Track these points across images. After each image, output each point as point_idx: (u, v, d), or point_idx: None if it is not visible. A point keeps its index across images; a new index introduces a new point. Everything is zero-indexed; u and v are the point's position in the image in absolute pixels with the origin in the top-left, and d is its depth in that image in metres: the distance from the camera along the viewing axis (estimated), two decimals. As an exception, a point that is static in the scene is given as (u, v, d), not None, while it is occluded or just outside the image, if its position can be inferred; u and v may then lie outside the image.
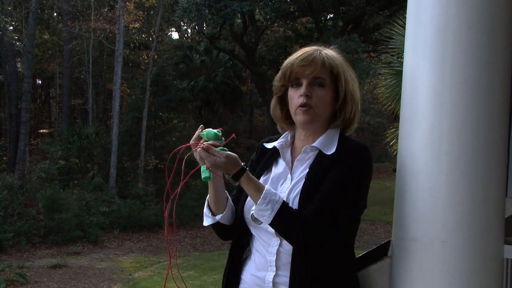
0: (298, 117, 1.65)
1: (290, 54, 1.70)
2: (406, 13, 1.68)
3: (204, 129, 1.64)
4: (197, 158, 1.61)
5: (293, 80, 1.65)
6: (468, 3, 1.48)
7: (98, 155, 20.18)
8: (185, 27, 30.65)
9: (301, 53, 1.64)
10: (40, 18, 23.85)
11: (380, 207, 19.29)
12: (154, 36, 23.75)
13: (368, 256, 1.71)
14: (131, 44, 25.13)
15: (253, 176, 1.57)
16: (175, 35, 32.31)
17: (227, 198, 1.73)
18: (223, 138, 1.61)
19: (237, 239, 1.74)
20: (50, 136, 26.74)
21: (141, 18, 25.05)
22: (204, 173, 1.58)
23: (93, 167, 19.75)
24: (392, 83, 7.25)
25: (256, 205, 1.52)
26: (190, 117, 26.18)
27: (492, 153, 1.50)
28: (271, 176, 1.71)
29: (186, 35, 32.12)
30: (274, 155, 1.75)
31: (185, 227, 17.18)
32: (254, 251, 1.69)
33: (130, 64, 26.24)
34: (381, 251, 1.68)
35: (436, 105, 1.51)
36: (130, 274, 12.63)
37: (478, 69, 1.48)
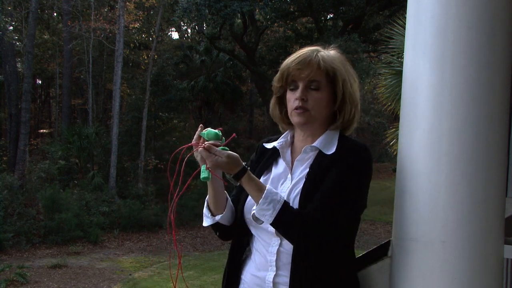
0: (294, 119, 1.66)
1: (290, 54, 1.70)
2: (406, 13, 1.68)
3: (204, 129, 1.63)
4: (197, 158, 1.61)
5: (290, 82, 1.65)
6: (468, 3, 1.48)
7: (98, 155, 20.18)
8: (185, 27, 30.67)
9: (297, 56, 1.64)
10: (40, 18, 23.86)
11: (380, 207, 19.29)
12: (154, 36, 23.75)
13: (368, 256, 1.71)
14: (131, 44, 25.13)
15: (254, 176, 1.57)
16: (175, 35, 32.34)
17: (227, 199, 1.73)
18: (223, 138, 1.61)
19: (237, 239, 1.74)
20: (50, 136, 26.74)
21: (141, 18, 25.04)
22: (203, 173, 1.58)
23: (93, 167, 19.75)
24: (392, 83, 7.25)
25: (257, 204, 1.52)
26: (190, 117, 26.19)
27: (492, 153, 1.50)
28: (271, 176, 1.71)
29: (186, 35, 32.13)
30: (274, 155, 1.75)
31: (185, 227, 17.18)
32: (254, 251, 1.69)
33: (130, 64, 26.24)
34: (381, 251, 1.68)
35: (436, 105, 1.51)
36: (130, 274, 12.63)
37: (478, 69, 1.48)
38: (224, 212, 1.71)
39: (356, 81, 1.68)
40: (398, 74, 6.85)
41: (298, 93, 1.62)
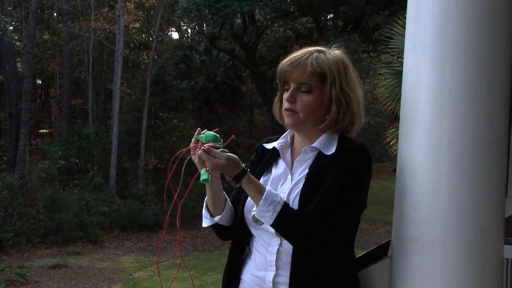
0: (284, 119, 1.67)
1: (290, 54, 1.70)
2: (406, 13, 1.68)
3: (202, 131, 1.63)
4: (196, 161, 1.61)
5: (283, 83, 1.66)
6: (468, 3, 1.48)
7: (98, 155, 20.18)
8: (185, 27, 30.67)
9: (290, 57, 1.65)
10: (40, 18, 23.86)
11: (380, 207, 19.29)
12: (154, 36, 23.76)
13: (368, 256, 1.71)
14: (131, 44, 25.14)
15: (254, 178, 1.57)
16: (175, 35, 32.35)
17: (226, 200, 1.74)
18: (222, 140, 1.61)
19: (237, 239, 1.74)
20: (50, 136, 26.74)
21: (141, 18, 25.04)
22: (203, 176, 1.58)
23: (93, 167, 19.75)
24: (392, 83, 7.25)
25: (257, 206, 1.52)
26: (190, 117, 26.19)
27: (492, 153, 1.50)
28: (271, 176, 1.71)
29: (186, 35, 32.13)
30: (274, 155, 1.75)
31: (185, 227, 17.19)
32: (254, 251, 1.69)
33: (130, 64, 26.24)
34: (381, 251, 1.68)
35: (436, 105, 1.51)
36: (130, 274, 12.63)
37: (478, 69, 1.48)
38: (223, 213, 1.71)
39: (355, 85, 1.65)
40: (398, 74, 6.85)
41: (287, 94, 1.63)
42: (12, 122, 20.02)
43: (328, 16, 22.35)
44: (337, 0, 19.22)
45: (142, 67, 26.00)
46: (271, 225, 1.52)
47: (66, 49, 21.95)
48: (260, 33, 22.12)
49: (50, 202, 15.61)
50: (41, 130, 28.70)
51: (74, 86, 25.55)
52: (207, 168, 1.57)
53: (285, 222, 1.51)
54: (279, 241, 1.60)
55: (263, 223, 1.55)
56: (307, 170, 1.62)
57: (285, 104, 1.64)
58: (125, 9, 20.70)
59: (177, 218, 1.62)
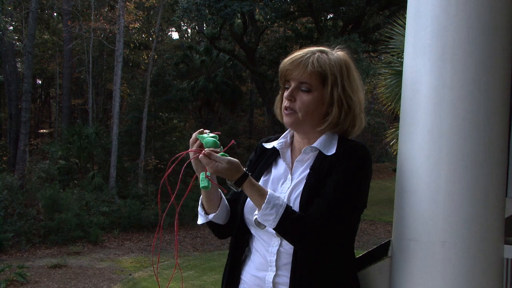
0: (283, 119, 1.66)
1: (290, 54, 1.70)
2: (406, 13, 1.68)
3: (202, 131, 1.61)
4: (194, 165, 1.60)
5: (284, 82, 1.66)
6: (468, 3, 1.48)
7: (98, 155, 20.18)
8: (185, 27, 30.70)
9: (292, 56, 1.64)
10: (40, 18, 23.87)
11: (380, 207, 19.30)
12: (154, 36, 23.76)
13: (368, 256, 1.71)
14: (131, 44, 25.14)
15: (255, 181, 1.56)
16: (175, 35, 32.37)
17: (221, 198, 1.73)
18: (222, 146, 1.59)
19: (237, 239, 1.74)
20: (50, 136, 26.76)
21: (141, 18, 25.05)
22: (203, 182, 1.57)
23: (93, 167, 19.75)
24: (392, 83, 7.25)
25: (260, 210, 1.51)
26: (190, 117, 26.19)
27: (492, 153, 1.50)
28: (271, 176, 1.71)
29: (186, 35, 32.15)
30: (274, 155, 1.75)
31: (185, 227, 17.19)
32: (254, 251, 1.69)
33: (130, 64, 26.26)
34: (381, 251, 1.68)
35: (436, 105, 1.51)
36: (130, 274, 12.63)
37: (478, 69, 1.48)
38: (217, 211, 1.70)
39: (357, 87, 1.64)
40: (398, 74, 6.84)
41: (287, 93, 1.63)
42: (12, 122, 20.03)
43: (328, 16, 22.35)
44: (337, 0, 19.22)
45: (142, 67, 26.01)
46: (274, 228, 1.52)
47: (66, 49, 21.96)
48: (260, 33, 22.13)
49: (50, 202, 15.61)
50: (41, 130, 28.71)
51: (74, 86, 25.56)
52: (207, 173, 1.56)
53: (288, 225, 1.50)
54: (279, 241, 1.60)
55: (265, 227, 1.55)
56: (307, 171, 1.61)
57: (285, 102, 1.64)
58: (125, 9, 20.70)
59: (175, 223, 1.62)
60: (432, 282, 1.50)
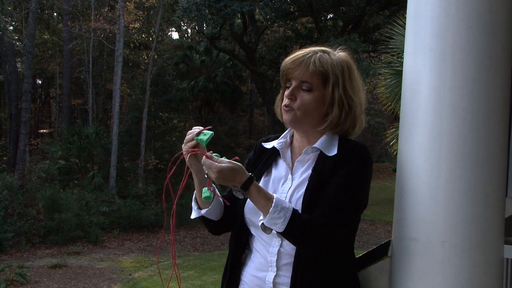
0: (283, 116, 1.66)
1: (290, 54, 1.70)
2: (406, 13, 1.68)
3: (201, 130, 1.59)
4: (188, 162, 1.60)
5: (286, 80, 1.66)
6: (468, 3, 1.48)
7: (98, 155, 20.18)
8: (185, 27, 30.71)
9: (294, 55, 1.64)
10: (40, 18, 23.87)
11: (380, 207, 19.30)
12: (154, 36, 23.76)
13: (368, 256, 1.71)
14: (131, 44, 25.14)
15: (260, 185, 1.55)
16: (175, 35, 32.38)
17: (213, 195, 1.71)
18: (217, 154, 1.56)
19: (237, 239, 1.73)
20: (50, 136, 26.77)
21: (141, 18, 25.05)
22: (205, 193, 1.55)
23: (93, 167, 19.75)
24: (392, 83, 7.25)
25: (267, 214, 1.49)
26: (190, 117, 26.19)
27: (492, 153, 1.50)
28: (272, 177, 1.70)
29: (186, 35, 32.16)
30: (274, 155, 1.74)
31: (185, 227, 17.19)
32: (254, 251, 1.69)
33: (130, 64, 26.26)
34: (381, 251, 1.68)
35: (436, 105, 1.51)
36: (130, 274, 12.63)
37: (478, 69, 1.48)
38: (210, 207, 1.69)
39: (358, 88, 1.64)
40: (398, 74, 6.84)
41: (288, 91, 1.63)
42: (12, 122, 20.03)
43: (328, 16, 22.36)
44: (337, 0, 19.23)
45: (142, 67, 26.01)
46: (282, 232, 1.50)
47: (66, 49, 21.96)
48: (260, 33, 22.13)
49: (50, 202, 15.61)
50: (41, 130, 28.71)
51: (74, 86, 25.56)
52: (210, 182, 1.54)
53: (296, 228, 1.49)
54: (280, 241, 1.60)
55: (271, 231, 1.53)
56: (308, 171, 1.61)
57: (285, 101, 1.64)
58: (125, 9, 20.70)
59: (171, 222, 1.61)
60: (432, 282, 1.50)
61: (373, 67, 16.09)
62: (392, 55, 7.46)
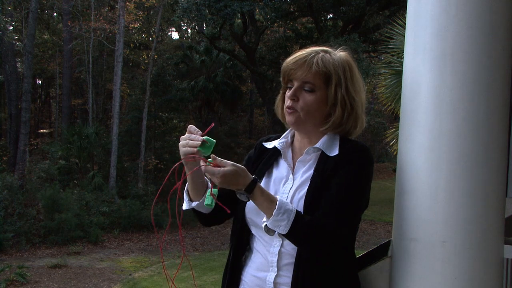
0: (285, 118, 1.66)
1: (290, 54, 1.69)
2: (406, 13, 1.68)
3: (201, 136, 1.56)
4: (186, 166, 1.59)
5: (287, 81, 1.66)
6: (468, 3, 1.48)
7: (98, 155, 20.19)
8: (185, 27, 30.71)
9: (296, 55, 1.64)
10: (40, 18, 23.87)
11: (380, 207, 19.29)
12: (154, 36, 23.77)
13: (368, 256, 1.71)
14: (131, 44, 25.15)
15: (262, 187, 1.54)
16: (175, 35, 32.38)
17: (207, 188, 1.69)
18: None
19: (237, 239, 1.73)
20: (50, 136, 26.77)
21: (141, 18, 25.05)
22: (206, 200, 1.54)
23: (93, 167, 19.75)
24: (392, 83, 7.25)
25: (270, 216, 1.49)
26: (190, 117, 26.20)
27: (492, 153, 1.50)
28: (273, 177, 1.70)
29: (186, 35, 32.16)
30: (275, 155, 1.74)
31: (185, 227, 17.19)
32: (254, 251, 1.69)
33: (130, 64, 26.26)
34: (381, 251, 1.68)
35: (436, 105, 1.51)
36: (130, 274, 12.64)
37: (478, 69, 1.48)
38: (200, 200, 1.67)
39: (359, 88, 1.65)
40: (398, 74, 6.85)
41: (290, 92, 1.62)
42: (12, 122, 20.03)
43: (328, 16, 22.36)
44: (337, 0, 19.23)
45: (142, 67, 26.01)
46: (286, 234, 1.49)
47: (66, 49, 21.96)
48: (260, 33, 22.14)
49: (50, 202, 15.61)
50: (41, 130, 28.71)
51: (74, 86, 25.56)
52: (212, 191, 1.53)
53: (300, 230, 1.49)
54: (281, 241, 1.60)
55: (274, 233, 1.53)
56: (310, 171, 1.61)
57: (287, 102, 1.63)
58: (125, 9, 20.70)
59: (177, 218, 1.60)
60: (432, 282, 1.50)
61: (373, 67, 16.09)
62: (392, 55, 7.46)
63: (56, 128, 25.23)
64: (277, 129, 16.70)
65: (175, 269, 1.69)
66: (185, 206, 1.72)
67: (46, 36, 25.35)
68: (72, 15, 21.99)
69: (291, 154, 1.72)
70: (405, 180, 1.58)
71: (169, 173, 1.55)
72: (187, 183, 1.69)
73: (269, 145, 1.76)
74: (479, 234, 1.48)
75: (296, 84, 1.61)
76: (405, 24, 1.71)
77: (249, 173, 1.51)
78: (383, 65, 8.69)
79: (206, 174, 1.52)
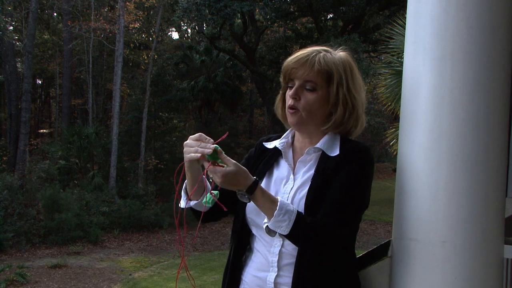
0: (287, 118, 1.66)
1: (290, 54, 1.69)
2: (406, 13, 1.68)
3: (212, 144, 1.53)
4: (186, 166, 1.58)
5: (288, 80, 1.65)
6: (468, 3, 1.48)
7: (98, 155, 20.18)
8: (185, 27, 30.70)
9: (297, 55, 1.64)
10: (40, 18, 23.87)
11: (380, 207, 19.29)
12: (154, 36, 23.76)
13: (368, 256, 1.71)
14: (131, 44, 25.14)
15: (263, 187, 1.54)
16: (175, 35, 32.37)
17: (205, 188, 1.69)
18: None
19: (238, 239, 1.73)
20: (50, 136, 26.77)
21: (141, 18, 25.05)
22: (207, 198, 1.54)
23: (93, 167, 19.75)
24: (392, 83, 7.25)
25: (271, 217, 1.49)
26: (190, 117, 26.19)
27: (492, 153, 1.50)
28: (274, 177, 1.70)
29: (186, 35, 32.15)
30: (275, 155, 1.74)
31: (186, 227, 17.17)
32: (255, 251, 1.69)
33: (130, 64, 26.25)
34: (381, 251, 1.68)
35: (436, 105, 1.51)
36: (130, 274, 12.63)
37: (478, 69, 1.48)
38: (199, 200, 1.67)
39: (360, 87, 1.65)
40: (398, 74, 6.85)
41: (291, 92, 1.62)
42: (12, 122, 20.03)
43: (328, 16, 22.36)
44: (337, 0, 19.23)
45: (142, 67, 26.01)
46: (287, 235, 1.49)
47: (66, 49, 21.96)
48: (260, 33, 22.13)
49: (50, 202, 15.61)
50: (41, 130, 28.70)
51: (74, 86, 25.56)
52: (213, 192, 1.53)
53: (301, 231, 1.49)
54: (281, 241, 1.60)
55: (275, 234, 1.53)
56: (310, 172, 1.61)
57: (289, 101, 1.63)
58: (125, 9, 20.70)
59: (178, 229, 1.61)
60: (432, 282, 1.50)
61: (373, 67, 16.09)
62: (392, 55, 7.46)
63: (56, 128, 25.22)
64: (277, 129, 16.70)
65: (174, 269, 1.69)
66: (182, 204, 1.72)
67: (46, 36, 25.35)
68: (72, 15, 21.98)
69: (291, 154, 1.72)
70: (405, 180, 1.58)
71: (181, 173, 1.55)
72: (186, 183, 1.69)
73: (270, 145, 1.76)
74: (479, 234, 1.48)
75: (297, 83, 1.61)
76: (405, 24, 1.71)
77: (250, 175, 1.51)
78: (383, 65, 8.69)
79: (208, 173, 1.52)
